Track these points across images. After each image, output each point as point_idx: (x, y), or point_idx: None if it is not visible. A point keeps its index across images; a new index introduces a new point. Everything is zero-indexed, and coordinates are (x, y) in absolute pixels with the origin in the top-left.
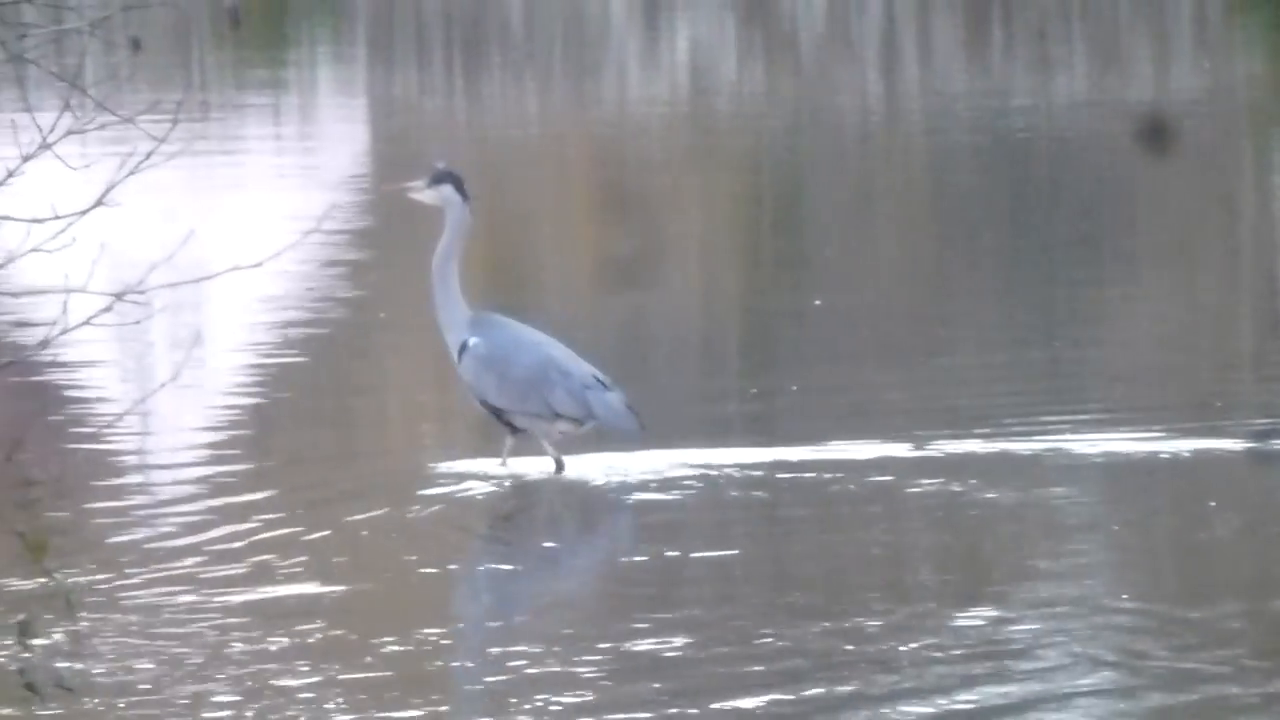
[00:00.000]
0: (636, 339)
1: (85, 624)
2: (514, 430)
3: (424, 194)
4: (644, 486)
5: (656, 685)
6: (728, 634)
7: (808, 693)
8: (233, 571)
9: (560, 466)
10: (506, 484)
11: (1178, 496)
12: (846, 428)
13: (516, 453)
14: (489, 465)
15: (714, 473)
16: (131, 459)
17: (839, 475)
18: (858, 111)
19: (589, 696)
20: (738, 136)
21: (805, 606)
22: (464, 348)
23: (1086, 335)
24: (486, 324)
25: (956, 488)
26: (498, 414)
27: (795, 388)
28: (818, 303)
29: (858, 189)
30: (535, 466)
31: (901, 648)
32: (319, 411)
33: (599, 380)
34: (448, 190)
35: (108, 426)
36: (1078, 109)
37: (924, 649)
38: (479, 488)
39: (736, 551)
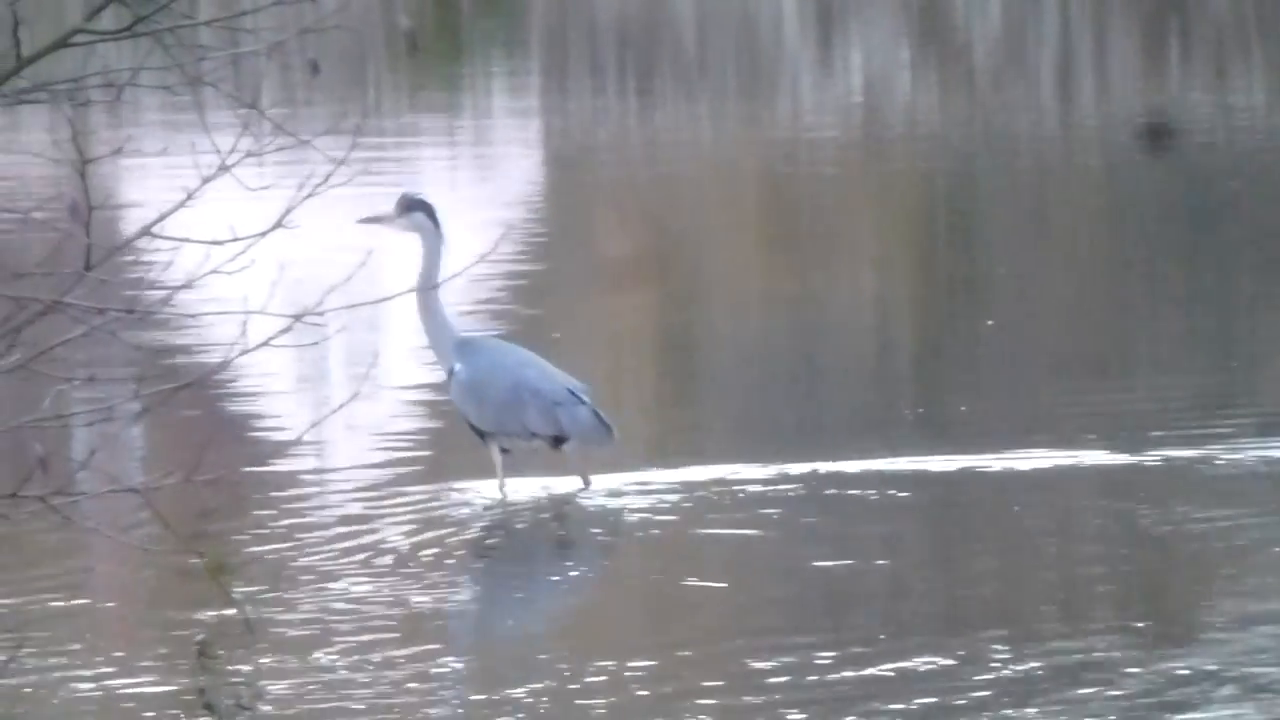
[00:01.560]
0: (807, 357)
1: (262, 644)
2: (503, 451)
3: (395, 223)
4: (807, 499)
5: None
6: (880, 651)
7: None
8: (402, 592)
9: (587, 483)
10: (667, 501)
11: None
12: (1015, 444)
13: (510, 473)
14: (650, 477)
15: (877, 489)
16: (308, 479)
17: (1005, 491)
18: (1032, 129)
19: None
20: (911, 155)
21: (970, 620)
22: (451, 374)
23: (1266, 352)
24: (471, 349)
25: (1129, 505)
26: (484, 437)
27: (964, 407)
28: (990, 323)
29: (1032, 208)
30: (700, 475)
31: (1038, 666)
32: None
33: (573, 394)
34: (419, 217)
35: (285, 447)
36: (1256, 122)
37: (1068, 667)
38: (639, 503)
39: (903, 563)
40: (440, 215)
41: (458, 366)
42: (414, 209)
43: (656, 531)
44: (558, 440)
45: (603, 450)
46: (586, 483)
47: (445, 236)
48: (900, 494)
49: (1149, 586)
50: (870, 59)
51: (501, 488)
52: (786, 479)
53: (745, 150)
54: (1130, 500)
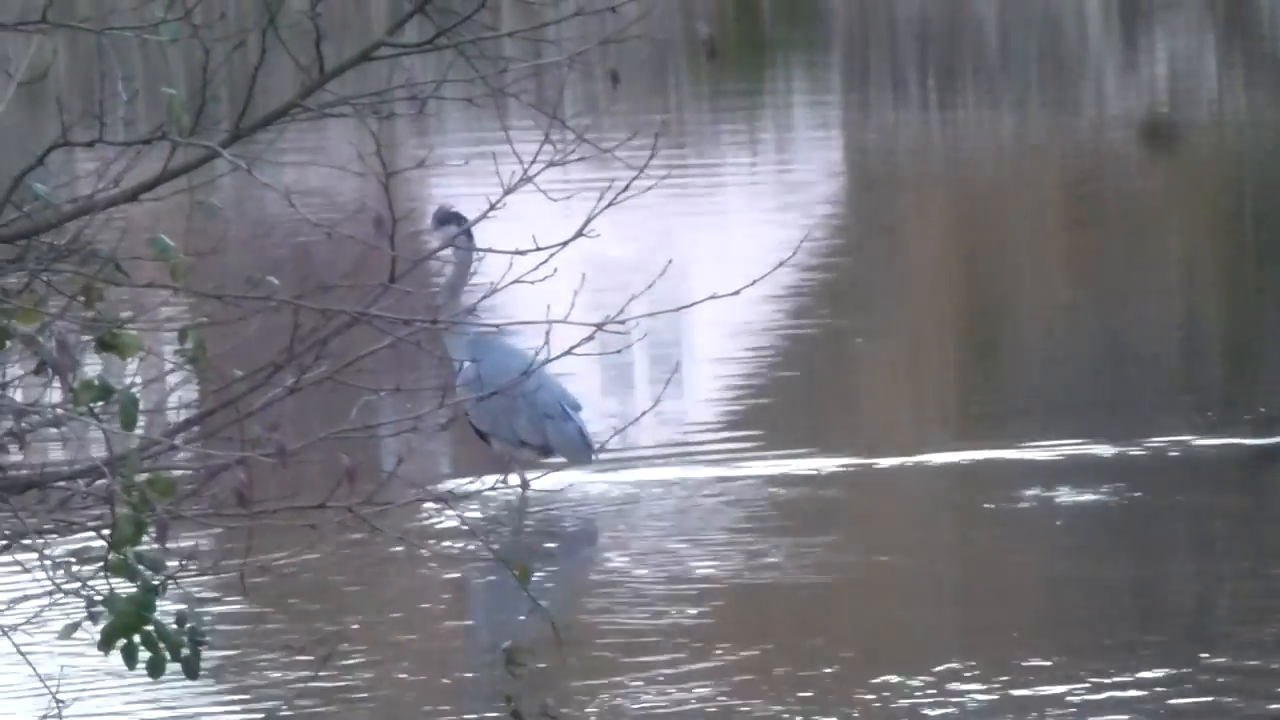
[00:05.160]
0: (1112, 354)
1: (570, 651)
2: (491, 449)
3: (432, 236)
4: (1107, 483)
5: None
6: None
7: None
8: (699, 593)
9: (526, 485)
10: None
11: None
12: None
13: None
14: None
15: (1190, 472)
16: (609, 485)
17: None
18: None
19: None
20: (1216, 154)
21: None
22: (459, 370)
23: None
24: (482, 348)
25: None
26: (481, 435)
27: (1263, 409)
28: None
29: None
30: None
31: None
32: (795, 437)
33: (564, 408)
34: (451, 230)
35: (589, 454)
36: None
37: None
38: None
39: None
40: (473, 228)
41: (467, 363)
42: (448, 222)
43: (978, 508)
44: (544, 451)
45: (582, 467)
46: (525, 485)
47: (476, 249)
48: (1210, 478)
49: None
50: (1175, 55)
51: (500, 483)
52: (1088, 461)
53: (1049, 146)
54: None
